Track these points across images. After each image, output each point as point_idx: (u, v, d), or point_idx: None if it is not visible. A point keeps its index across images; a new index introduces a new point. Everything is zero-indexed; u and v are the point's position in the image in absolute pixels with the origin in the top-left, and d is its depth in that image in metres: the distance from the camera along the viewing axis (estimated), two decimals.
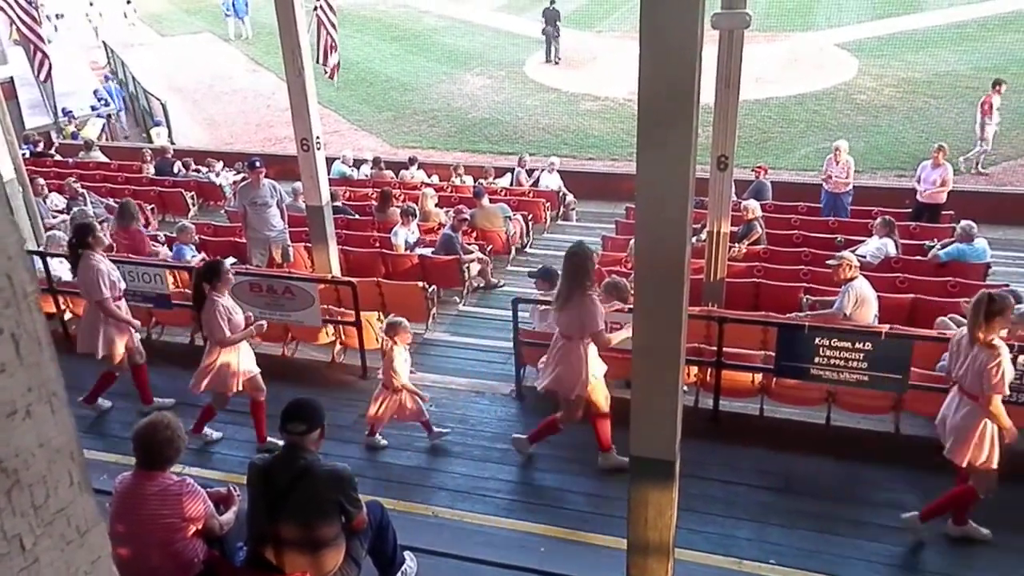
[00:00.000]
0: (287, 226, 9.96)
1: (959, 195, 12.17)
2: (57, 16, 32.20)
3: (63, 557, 1.18)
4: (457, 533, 5.55)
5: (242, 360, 6.24)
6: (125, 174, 15.09)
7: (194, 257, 9.69)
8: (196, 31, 33.82)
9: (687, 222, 3.50)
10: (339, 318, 7.87)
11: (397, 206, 11.35)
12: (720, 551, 5.33)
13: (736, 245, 9.78)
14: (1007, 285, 7.87)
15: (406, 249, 10.22)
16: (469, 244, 10.42)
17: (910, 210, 11.81)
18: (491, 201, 11.77)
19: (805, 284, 8.76)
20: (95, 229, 6.63)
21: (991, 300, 4.85)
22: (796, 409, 6.81)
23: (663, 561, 4.25)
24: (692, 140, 3.35)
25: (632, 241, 8.33)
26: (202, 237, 10.59)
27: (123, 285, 6.85)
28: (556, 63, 25.27)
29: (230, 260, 10.03)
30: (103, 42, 28.40)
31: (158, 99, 20.60)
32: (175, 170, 15.03)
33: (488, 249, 10.69)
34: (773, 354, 6.43)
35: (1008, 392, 4.93)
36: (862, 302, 7.24)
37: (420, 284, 8.73)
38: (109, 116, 21.28)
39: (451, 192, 13.60)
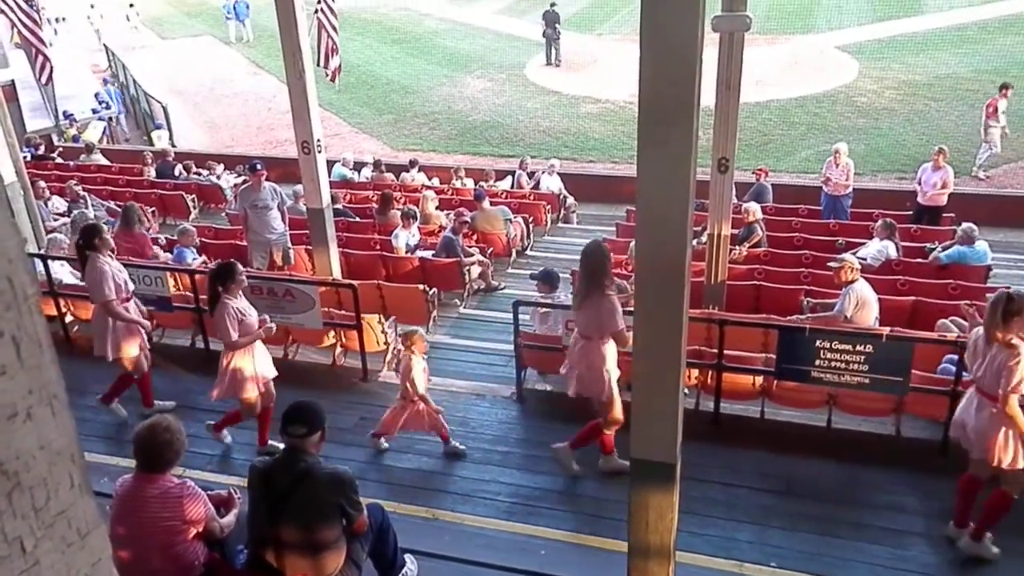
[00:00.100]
0: (288, 229, 9.96)
1: (960, 197, 12.17)
2: (57, 20, 32.26)
3: (64, 559, 1.18)
4: (458, 536, 5.55)
5: (257, 364, 6.17)
6: (126, 177, 15.10)
7: (195, 260, 9.69)
8: (197, 34, 33.89)
9: (688, 224, 3.49)
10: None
11: (398, 209, 11.36)
12: (721, 554, 5.33)
13: (737, 248, 9.78)
14: (1008, 287, 7.85)
15: (407, 252, 10.22)
16: (470, 247, 10.42)
17: (911, 212, 11.81)
18: (492, 204, 11.77)
19: (806, 287, 8.76)
20: (102, 231, 6.59)
21: (1009, 299, 4.80)
22: (797, 412, 6.80)
23: (664, 564, 4.24)
24: (693, 142, 3.35)
25: (632, 243, 8.34)
26: (203, 240, 10.59)
27: (132, 287, 6.82)
28: (557, 66, 25.31)
29: None
30: (104, 45, 28.44)
31: (159, 102, 20.64)
32: (176, 173, 15.03)
33: (489, 252, 10.69)
34: (774, 357, 6.42)
35: None
36: (863, 304, 7.24)
37: (421, 287, 8.73)
38: (110, 119, 21.30)
39: (452, 195, 13.60)
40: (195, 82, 26.81)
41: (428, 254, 10.15)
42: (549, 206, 13.23)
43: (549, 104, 22.19)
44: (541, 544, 5.44)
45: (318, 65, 11.87)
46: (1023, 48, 22.35)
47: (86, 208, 11.47)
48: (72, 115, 20.33)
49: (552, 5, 24.75)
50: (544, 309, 7.91)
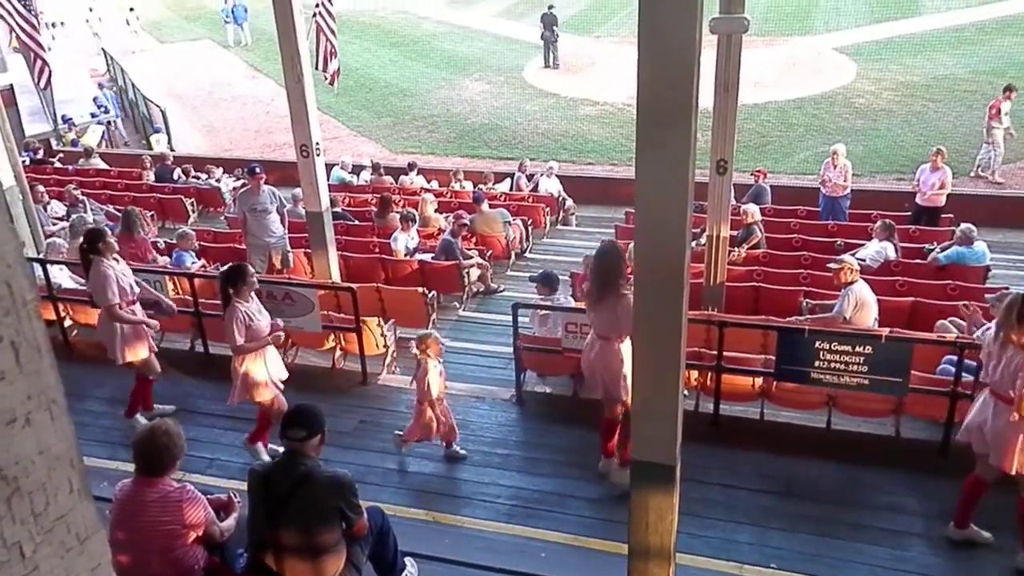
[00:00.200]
0: (287, 232, 9.96)
1: (958, 198, 12.18)
2: (54, 24, 32.25)
3: (63, 564, 1.18)
4: (458, 539, 5.55)
5: (270, 368, 6.13)
6: (125, 181, 15.11)
7: (194, 264, 9.70)
8: (195, 38, 33.90)
9: (686, 226, 3.50)
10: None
11: (397, 212, 11.36)
12: (721, 555, 5.32)
13: (736, 249, 9.79)
14: (1007, 288, 7.87)
15: (406, 255, 10.22)
16: (469, 249, 10.42)
17: (909, 213, 11.82)
18: (490, 206, 11.78)
19: (805, 288, 8.76)
20: (105, 235, 6.57)
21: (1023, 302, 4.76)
22: (796, 413, 6.80)
23: (664, 566, 4.24)
24: (691, 144, 3.35)
25: (631, 245, 8.34)
26: (202, 243, 10.59)
27: (138, 290, 6.78)
28: (555, 68, 25.32)
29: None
30: (102, 49, 28.45)
31: (158, 106, 20.64)
32: (175, 177, 15.04)
33: (488, 254, 10.70)
34: (773, 358, 6.43)
35: None
36: (862, 305, 7.24)
37: (420, 290, 8.73)
38: (109, 123, 21.31)
39: (451, 197, 13.61)
40: (194, 86, 26.82)
41: (427, 257, 10.15)
42: (548, 208, 13.24)
43: (548, 106, 22.21)
44: (541, 547, 5.44)
45: (316, 68, 11.88)
46: (1021, 49, 22.38)
47: (85, 212, 11.46)
48: (71, 119, 20.34)
49: (550, 7, 24.77)
50: (543, 311, 7.92)
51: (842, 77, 22.18)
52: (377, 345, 7.86)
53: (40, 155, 17.13)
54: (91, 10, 33.13)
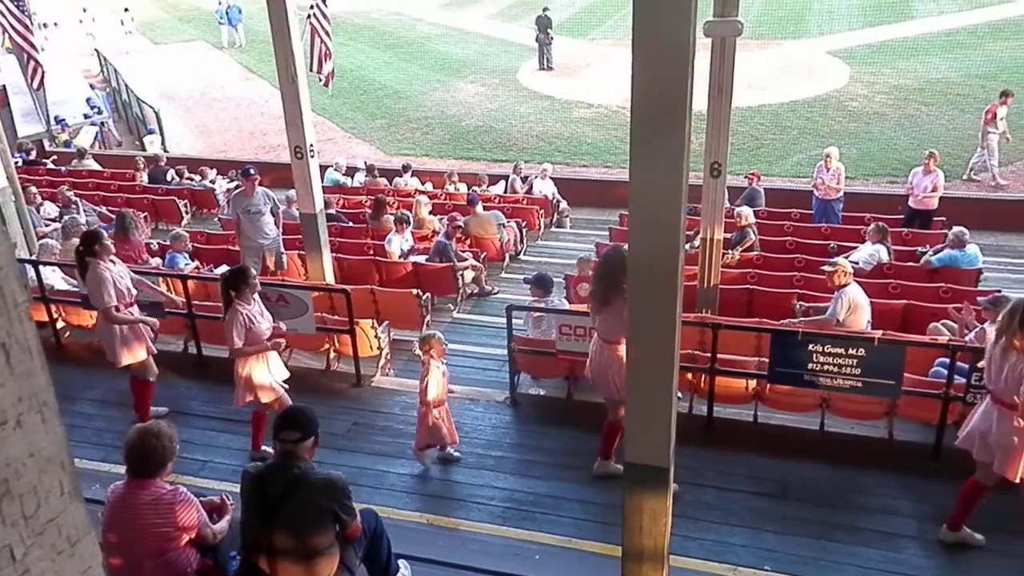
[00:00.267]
0: (281, 234, 9.94)
1: (951, 201, 12.24)
2: (45, 25, 32.15)
3: (54, 567, 1.18)
4: (452, 541, 5.54)
5: (272, 370, 6.11)
6: (118, 182, 15.06)
7: (187, 265, 9.67)
8: (189, 39, 33.85)
9: (680, 229, 3.50)
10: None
11: (391, 213, 11.34)
12: (715, 558, 5.33)
13: (729, 252, 9.81)
14: (999, 291, 7.91)
15: (400, 256, 10.21)
16: (463, 251, 10.42)
17: (902, 216, 11.86)
18: (485, 208, 11.78)
19: (798, 290, 8.78)
20: (102, 237, 6.52)
21: None
22: (790, 415, 6.81)
23: (658, 568, 4.24)
24: (685, 147, 3.36)
25: (624, 247, 8.34)
26: (196, 245, 10.56)
27: (135, 292, 6.74)
28: (549, 70, 25.36)
29: (223, 268, 10.03)
30: (95, 50, 28.38)
31: (151, 107, 20.59)
32: (168, 178, 15.00)
33: (482, 256, 10.70)
34: (767, 360, 6.44)
35: None
36: (855, 308, 7.26)
37: (414, 291, 8.72)
38: (102, 124, 21.24)
39: (445, 199, 13.60)
40: (187, 87, 26.77)
41: (421, 259, 10.14)
42: (542, 210, 13.24)
43: (542, 109, 22.23)
44: (535, 549, 5.44)
45: (311, 70, 11.86)
46: (1013, 53, 22.51)
47: (78, 214, 11.42)
48: (64, 120, 20.26)
49: (545, 10, 24.81)
50: (537, 313, 7.92)
51: (835, 80, 22.27)
52: (371, 347, 7.84)
53: (33, 156, 17.04)
54: (85, 10, 33.05)
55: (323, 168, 12.80)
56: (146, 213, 13.22)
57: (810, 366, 6.15)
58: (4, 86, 20.29)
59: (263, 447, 6.36)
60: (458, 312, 9.80)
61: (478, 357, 8.45)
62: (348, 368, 7.86)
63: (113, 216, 10.48)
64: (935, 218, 11.66)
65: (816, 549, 5.40)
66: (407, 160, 16.79)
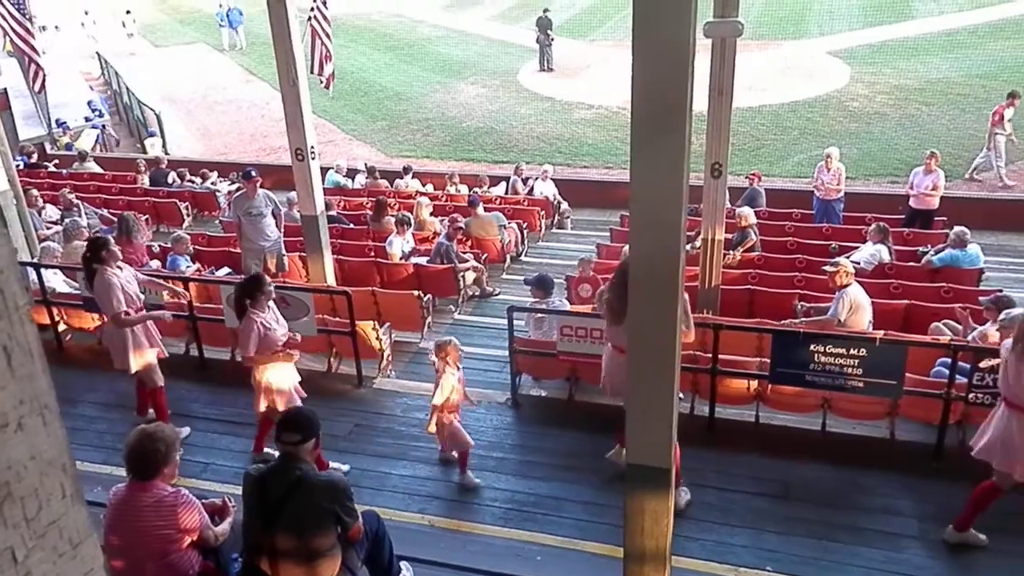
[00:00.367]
0: (282, 236, 9.95)
1: (952, 201, 12.24)
2: (44, 28, 32.18)
3: (55, 570, 1.18)
4: (453, 542, 5.54)
5: (288, 375, 6.08)
6: (119, 185, 15.09)
7: (189, 268, 9.68)
8: (190, 41, 33.87)
9: (682, 229, 3.50)
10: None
11: (392, 215, 11.34)
12: (717, 558, 5.33)
13: (731, 252, 9.81)
14: (1000, 290, 7.90)
15: (401, 258, 10.22)
16: (464, 253, 10.43)
17: (903, 216, 11.85)
18: (486, 210, 11.78)
19: (799, 291, 8.78)
20: (109, 243, 6.48)
21: None
22: (792, 416, 6.81)
23: (660, 569, 4.24)
24: (685, 148, 3.36)
25: (625, 248, 8.35)
26: (197, 247, 10.57)
27: (143, 297, 6.71)
28: (550, 71, 25.37)
29: (225, 270, 10.05)
30: (96, 53, 28.41)
31: (152, 109, 20.62)
32: (169, 180, 15.02)
33: (483, 258, 10.70)
34: (768, 361, 6.43)
35: None
36: (856, 308, 7.26)
37: (415, 293, 8.72)
38: (103, 127, 21.26)
39: (446, 201, 13.60)
40: (188, 90, 26.80)
41: (422, 260, 10.14)
42: (543, 212, 13.25)
43: (542, 110, 22.24)
44: (537, 550, 5.44)
45: (312, 72, 11.88)
46: (1014, 53, 22.49)
47: (79, 217, 11.44)
48: (65, 123, 20.29)
49: (545, 11, 24.83)
50: (538, 315, 7.92)
51: (836, 81, 22.26)
52: (372, 348, 7.84)
53: (34, 159, 17.07)
54: (87, 13, 33.07)
55: (324, 170, 12.79)
56: (147, 216, 13.22)
57: (812, 366, 6.15)
58: (5, 89, 20.30)
59: (266, 450, 6.35)
60: (459, 313, 9.80)
61: (479, 358, 8.44)
62: (350, 370, 7.86)
63: (114, 219, 10.48)
64: (936, 218, 11.66)
65: (818, 549, 5.39)
66: (408, 162, 16.80)
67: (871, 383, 6.04)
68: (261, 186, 9.79)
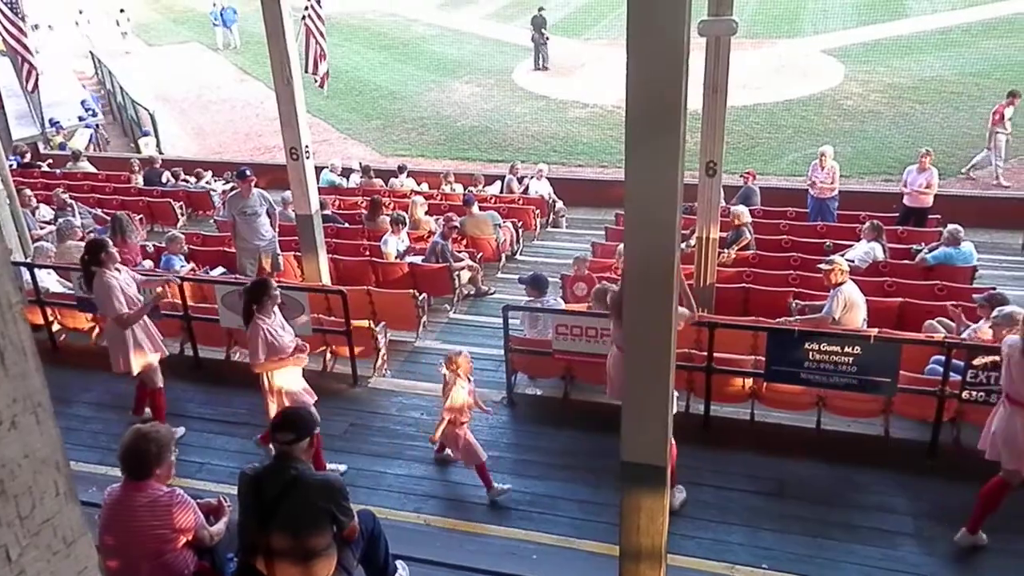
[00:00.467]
0: (277, 235, 9.94)
1: (946, 199, 12.26)
2: (35, 27, 32.06)
3: (49, 568, 1.18)
4: (449, 541, 5.54)
5: (297, 378, 6.05)
6: (113, 184, 15.04)
7: (183, 267, 9.66)
8: (184, 40, 33.78)
9: (676, 228, 3.51)
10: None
11: (387, 214, 11.34)
12: (713, 556, 5.34)
13: (725, 251, 9.82)
14: (994, 288, 7.93)
15: (396, 257, 10.21)
16: (459, 252, 10.42)
17: (897, 214, 11.89)
18: (481, 208, 11.78)
19: (794, 289, 8.80)
20: (107, 245, 6.44)
21: None
22: (787, 414, 6.82)
23: (656, 567, 4.24)
24: (680, 146, 3.36)
25: (620, 246, 8.35)
26: (191, 247, 10.55)
27: (142, 299, 6.65)
28: (545, 70, 25.38)
29: (219, 270, 10.03)
30: (90, 52, 28.33)
31: (146, 109, 20.56)
32: (163, 180, 14.98)
33: (478, 256, 10.70)
34: (763, 359, 6.45)
35: None
36: (851, 306, 7.27)
37: (410, 292, 8.72)
38: (97, 126, 21.20)
39: (441, 200, 13.60)
40: (182, 89, 26.74)
41: (418, 259, 10.14)
42: (538, 210, 13.25)
43: (537, 109, 22.24)
44: (532, 548, 5.44)
45: (306, 71, 11.88)
46: (1007, 51, 22.58)
47: (73, 216, 11.40)
48: (58, 123, 20.23)
49: (540, 10, 24.82)
50: (533, 313, 7.92)
51: (830, 79, 22.31)
52: (369, 342, 7.82)
53: (27, 159, 17.03)
54: (81, 12, 32.95)
55: (318, 169, 12.79)
56: (141, 215, 13.19)
57: (806, 364, 6.17)
58: None
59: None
60: (454, 312, 9.80)
61: (475, 357, 8.33)
62: (345, 369, 7.85)
63: (108, 218, 10.45)
64: (930, 216, 11.70)
65: (813, 547, 5.40)
66: (403, 161, 16.80)
67: (865, 381, 6.06)
68: (256, 185, 9.77)
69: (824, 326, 7.06)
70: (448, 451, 6.43)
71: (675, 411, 4.26)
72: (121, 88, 22.98)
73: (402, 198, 13.37)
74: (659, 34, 3.22)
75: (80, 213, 11.93)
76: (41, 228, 11.36)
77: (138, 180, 15.08)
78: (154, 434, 4.01)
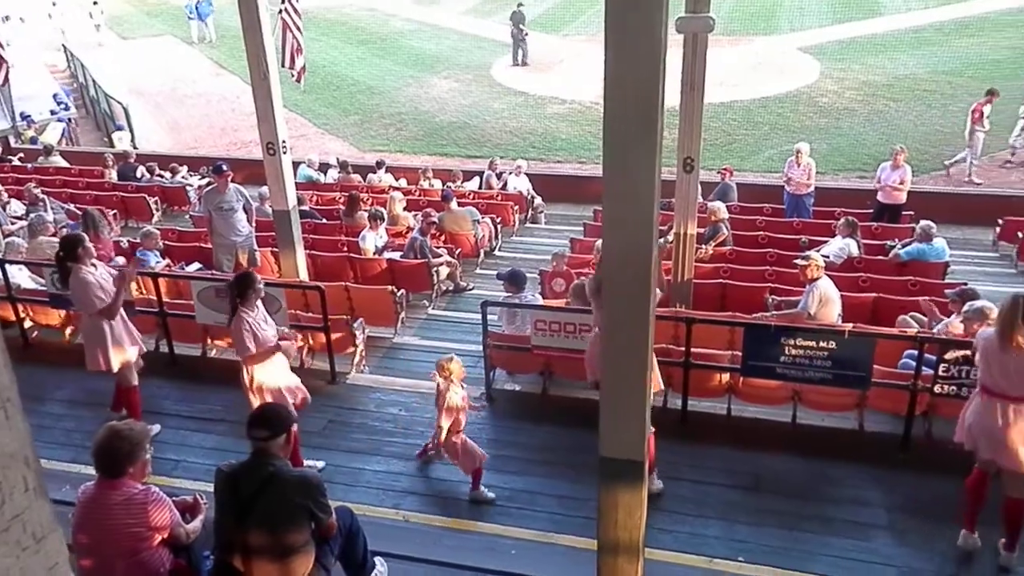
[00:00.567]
0: (254, 231, 9.86)
1: (919, 195, 12.42)
2: (6, 18, 31.45)
3: (19, 564, 1.16)
4: (427, 537, 5.54)
5: (278, 375, 5.96)
6: (86, 179, 14.82)
7: (158, 263, 9.55)
8: (158, 34, 33.36)
9: (654, 224, 3.52)
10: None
11: (365, 210, 11.28)
12: (690, 550, 5.38)
13: (703, 246, 9.88)
14: (965, 283, 8.04)
15: (374, 253, 10.17)
16: (438, 247, 10.40)
17: (871, 211, 12.02)
18: (459, 204, 11.76)
19: (770, 284, 8.87)
20: (83, 240, 6.33)
21: None
22: (763, 408, 6.88)
23: (633, 561, 4.27)
24: (658, 142, 3.37)
25: (598, 242, 8.37)
26: (167, 243, 10.43)
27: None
28: (524, 66, 25.36)
29: (195, 266, 9.93)
30: (63, 45, 27.89)
31: (120, 103, 20.27)
32: (138, 175, 14.79)
33: (457, 252, 10.68)
34: (740, 354, 6.50)
35: None
36: (826, 301, 7.35)
37: (389, 288, 8.69)
38: (70, 120, 20.89)
39: (419, 196, 13.56)
40: (157, 83, 26.41)
41: (396, 255, 10.10)
42: (517, 206, 13.25)
43: (516, 104, 22.24)
44: (511, 544, 5.45)
45: (283, 66, 11.76)
46: (978, 50, 22.92)
47: (45, 211, 11.24)
48: (30, 116, 19.92)
49: (519, 5, 24.80)
50: (511, 309, 7.92)
51: (806, 76, 22.51)
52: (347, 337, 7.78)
53: None
54: (54, 4, 32.42)
55: (296, 164, 12.70)
56: (115, 211, 13.03)
57: (782, 359, 6.22)
58: None
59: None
60: (433, 308, 9.78)
61: (454, 354, 8.43)
62: (323, 365, 7.81)
63: (80, 213, 10.29)
64: (903, 212, 11.84)
65: (789, 540, 5.46)
66: (381, 156, 16.72)
67: (840, 375, 6.13)
68: (232, 180, 9.68)
69: (800, 321, 7.13)
70: (432, 453, 6.36)
71: (652, 403, 4.28)
72: (94, 82, 22.65)
73: (380, 194, 13.31)
74: (637, 30, 3.22)
75: (52, 208, 11.76)
76: (12, 224, 11.19)
77: (112, 175, 14.87)
78: (127, 432, 3.97)
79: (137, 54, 30.12)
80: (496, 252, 12.04)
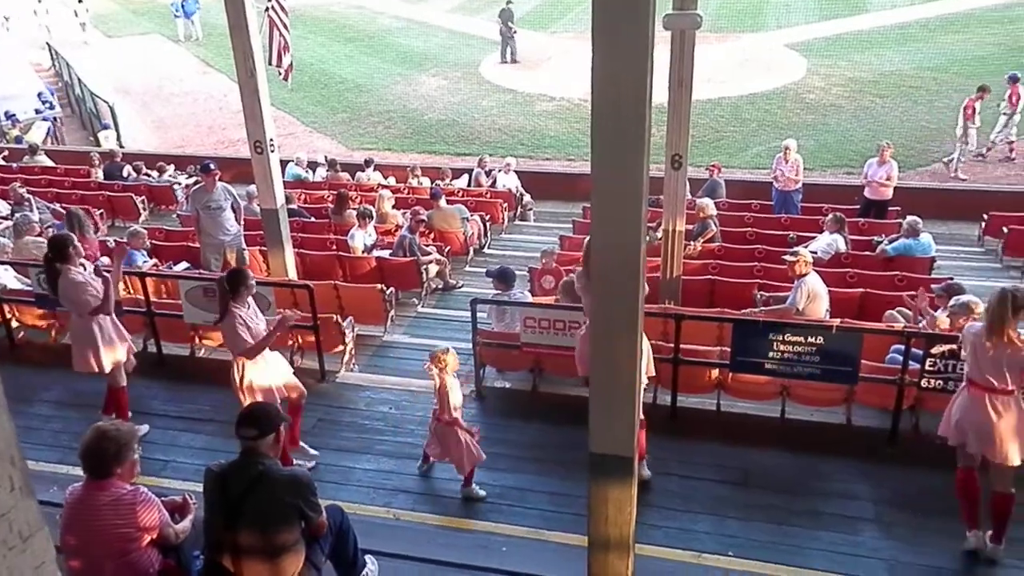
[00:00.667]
0: (242, 230, 9.82)
1: (905, 191, 12.50)
2: None
3: (5, 563, 1.15)
4: (418, 535, 5.53)
5: (271, 372, 5.94)
6: (72, 178, 14.72)
7: (146, 263, 9.50)
8: (144, 32, 33.14)
9: (642, 220, 3.53)
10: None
11: (353, 208, 11.26)
12: (679, 545, 5.39)
13: (691, 243, 9.91)
14: (951, 278, 8.11)
15: (363, 251, 10.15)
16: (427, 245, 10.39)
17: (858, 207, 12.09)
18: (448, 202, 11.75)
19: (759, 280, 8.91)
20: (72, 240, 6.27)
21: (1014, 296, 4.75)
22: (752, 404, 6.91)
23: (624, 557, 4.28)
24: (646, 139, 3.38)
25: (586, 240, 8.39)
26: (154, 242, 10.37)
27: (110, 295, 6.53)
28: (512, 63, 25.34)
29: (183, 265, 9.88)
30: (47, 43, 27.67)
31: (106, 101, 20.14)
32: (125, 174, 14.70)
33: (446, 250, 10.67)
34: (729, 350, 6.52)
35: None
36: (814, 297, 7.39)
37: (378, 286, 8.67)
38: (55, 119, 20.74)
39: (408, 194, 13.54)
40: (143, 81, 26.24)
41: (385, 253, 10.08)
42: (506, 204, 13.25)
43: (504, 102, 22.22)
44: (502, 541, 5.45)
45: (270, 63, 11.71)
46: (963, 46, 23.08)
47: (30, 211, 11.16)
48: (14, 115, 19.76)
49: (508, 2, 24.77)
50: (501, 306, 7.92)
51: (793, 73, 22.60)
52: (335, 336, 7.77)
53: None
54: (39, 1, 32.14)
55: (284, 163, 12.65)
56: (102, 210, 12.95)
57: (771, 354, 6.24)
58: None
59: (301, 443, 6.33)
60: (422, 306, 9.77)
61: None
62: (312, 364, 7.79)
63: (64, 213, 10.20)
64: (890, 208, 11.91)
65: (778, 534, 5.49)
66: (369, 154, 16.70)
67: (828, 370, 6.16)
68: (220, 179, 9.64)
69: (788, 317, 7.17)
70: (433, 460, 6.19)
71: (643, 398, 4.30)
72: (79, 80, 22.48)
73: (369, 192, 13.28)
74: (625, 28, 3.23)
75: (38, 208, 11.67)
76: None
77: (98, 174, 14.78)
78: (114, 432, 3.94)
79: (123, 52, 29.91)
80: (485, 250, 12.04)
